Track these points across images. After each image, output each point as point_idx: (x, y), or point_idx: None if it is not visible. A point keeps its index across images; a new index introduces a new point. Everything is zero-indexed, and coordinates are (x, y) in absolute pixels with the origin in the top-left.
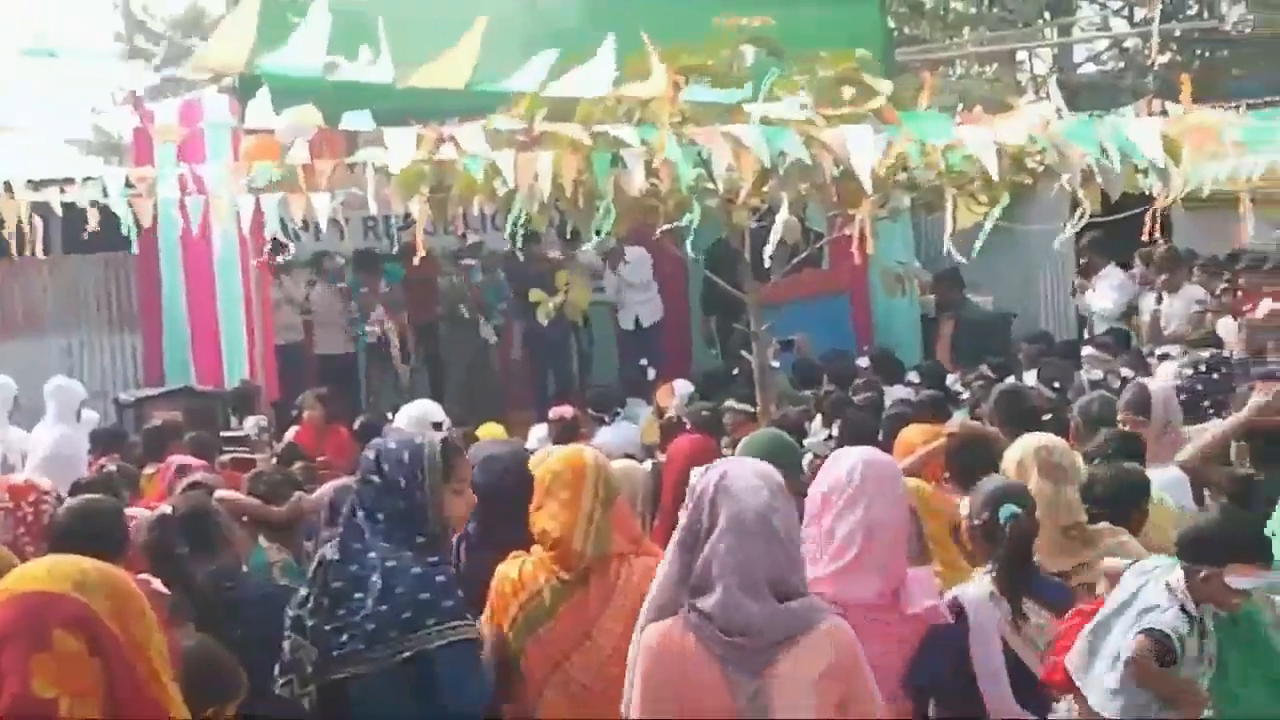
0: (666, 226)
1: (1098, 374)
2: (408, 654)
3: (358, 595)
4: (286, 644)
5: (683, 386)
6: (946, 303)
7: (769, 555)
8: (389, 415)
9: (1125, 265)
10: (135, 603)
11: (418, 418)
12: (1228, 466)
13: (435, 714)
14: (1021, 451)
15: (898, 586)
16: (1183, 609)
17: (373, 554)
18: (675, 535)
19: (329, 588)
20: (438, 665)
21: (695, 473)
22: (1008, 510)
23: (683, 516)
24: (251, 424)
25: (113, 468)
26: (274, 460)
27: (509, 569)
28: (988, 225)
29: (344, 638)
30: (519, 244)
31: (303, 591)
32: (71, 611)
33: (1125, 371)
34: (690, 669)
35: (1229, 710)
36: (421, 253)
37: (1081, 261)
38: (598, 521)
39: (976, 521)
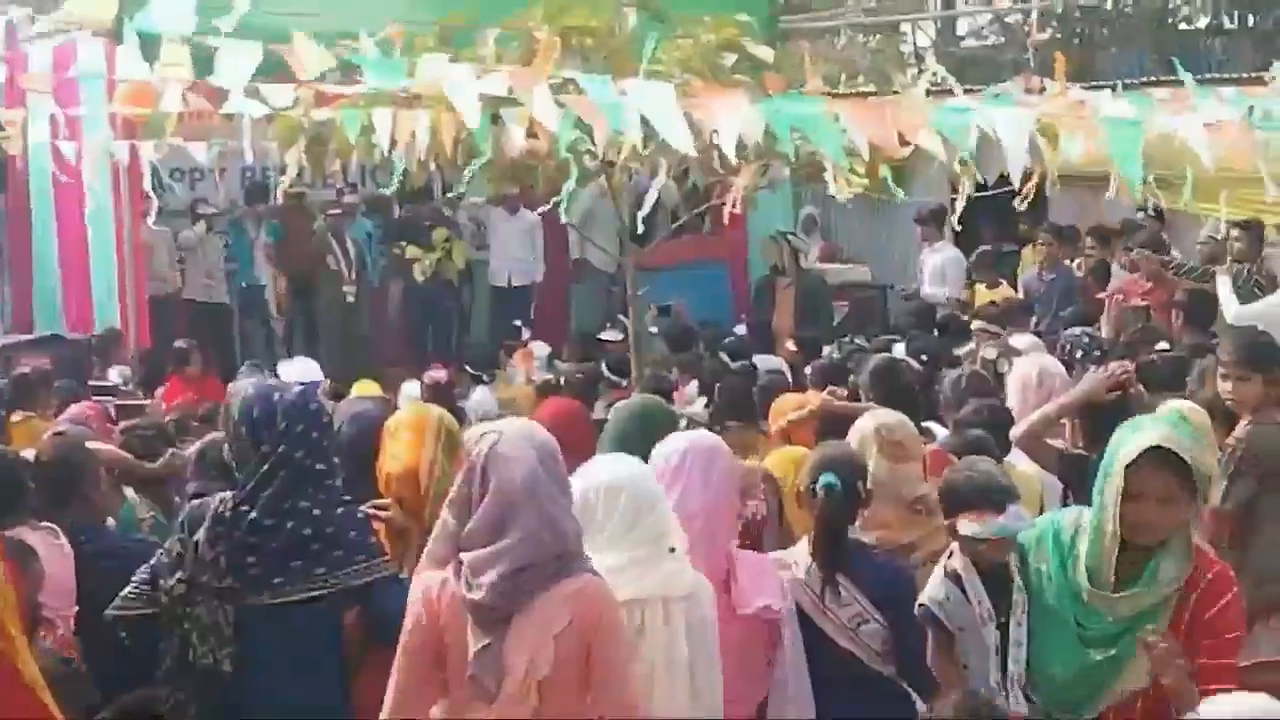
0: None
1: (990, 353)
2: (340, 588)
3: (283, 536)
4: (201, 610)
5: (540, 349)
6: (784, 268)
7: (527, 523)
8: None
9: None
10: None
11: (297, 375)
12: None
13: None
14: (862, 430)
15: (726, 579)
16: (944, 571)
17: (291, 501)
18: (451, 493)
19: (244, 538)
20: (372, 600)
21: (471, 436)
22: (824, 479)
23: (459, 478)
24: (115, 374)
25: None
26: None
27: None
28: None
29: (277, 579)
30: (400, 201)
31: (200, 549)
32: None
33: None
34: (446, 618)
35: (1037, 663)
36: (286, 184)
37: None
38: (441, 463)
39: (801, 489)
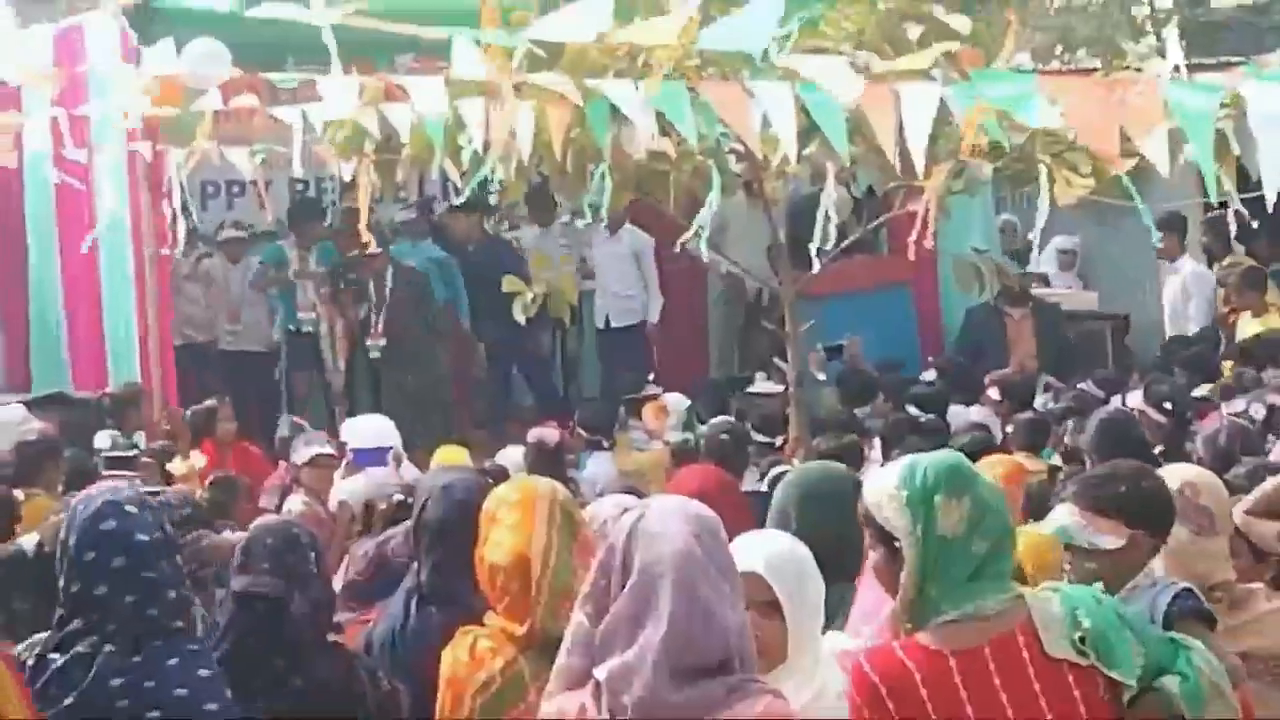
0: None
1: (1240, 404)
2: None
3: (99, 702)
4: None
5: (677, 403)
6: (1017, 295)
7: (675, 611)
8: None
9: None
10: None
11: (366, 437)
12: None
13: None
14: None
15: None
16: None
17: (106, 654)
18: (584, 587)
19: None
20: None
21: (598, 515)
22: None
23: (594, 568)
24: (106, 439)
25: None
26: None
27: (457, 649)
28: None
29: None
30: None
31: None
32: None
33: (1272, 398)
34: None
35: None
36: (365, 230)
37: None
38: (558, 549)
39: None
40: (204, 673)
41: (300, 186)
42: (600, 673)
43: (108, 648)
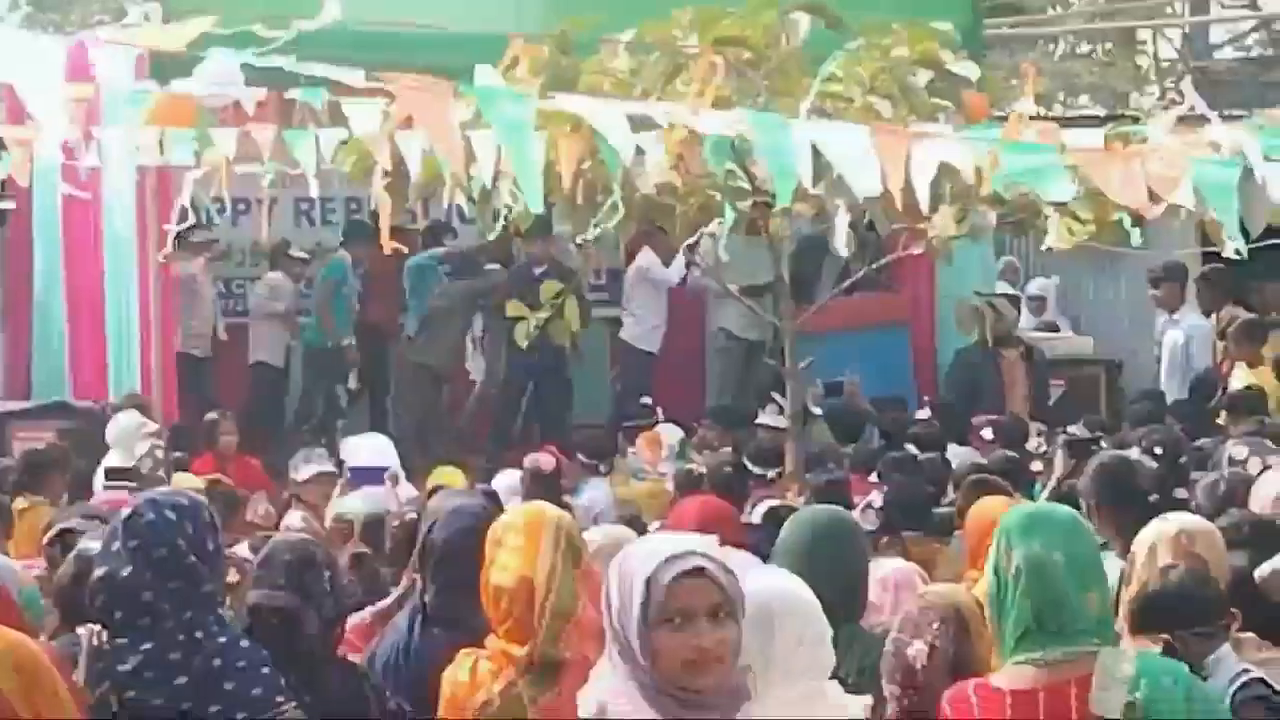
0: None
1: (1241, 451)
2: None
3: (164, 676)
4: None
5: (671, 433)
6: (1007, 337)
7: None
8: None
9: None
10: (47, 679)
11: (365, 456)
12: None
13: None
14: (1155, 535)
15: None
16: None
17: (167, 630)
18: None
19: (119, 679)
20: None
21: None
22: None
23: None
24: (144, 448)
25: None
26: None
27: (458, 670)
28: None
29: None
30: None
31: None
32: None
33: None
34: None
35: None
36: (388, 246)
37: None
38: (561, 575)
39: None
40: (248, 646)
41: (305, 205)
42: None
43: (168, 623)
